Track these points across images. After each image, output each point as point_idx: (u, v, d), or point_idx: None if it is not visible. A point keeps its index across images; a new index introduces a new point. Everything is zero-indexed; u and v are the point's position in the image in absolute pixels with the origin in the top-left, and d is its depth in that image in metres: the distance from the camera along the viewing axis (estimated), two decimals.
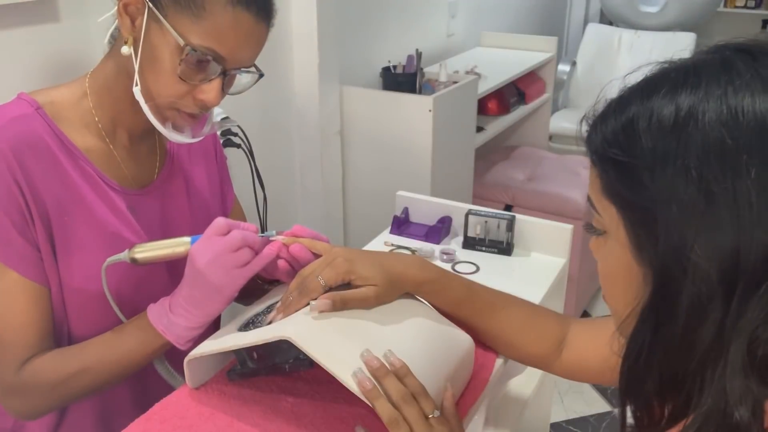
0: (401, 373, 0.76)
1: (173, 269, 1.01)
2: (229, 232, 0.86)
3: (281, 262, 0.91)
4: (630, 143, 0.55)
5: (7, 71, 1.19)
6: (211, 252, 0.84)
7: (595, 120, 0.60)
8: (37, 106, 0.91)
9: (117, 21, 0.90)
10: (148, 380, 1.01)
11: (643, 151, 0.54)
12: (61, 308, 0.94)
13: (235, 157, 1.56)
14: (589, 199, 0.63)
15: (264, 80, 0.99)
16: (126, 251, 0.90)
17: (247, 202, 1.27)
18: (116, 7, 0.89)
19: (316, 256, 0.91)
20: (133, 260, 0.89)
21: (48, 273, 0.91)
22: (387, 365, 0.76)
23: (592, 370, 0.92)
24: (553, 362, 0.95)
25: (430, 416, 0.74)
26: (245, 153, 1.66)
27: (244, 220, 1.19)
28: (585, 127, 0.61)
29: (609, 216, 0.59)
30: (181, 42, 0.86)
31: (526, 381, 1.29)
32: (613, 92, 0.61)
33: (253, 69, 0.95)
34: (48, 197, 0.90)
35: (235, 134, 1.60)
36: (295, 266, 0.92)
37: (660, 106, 0.54)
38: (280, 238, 0.91)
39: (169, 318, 0.88)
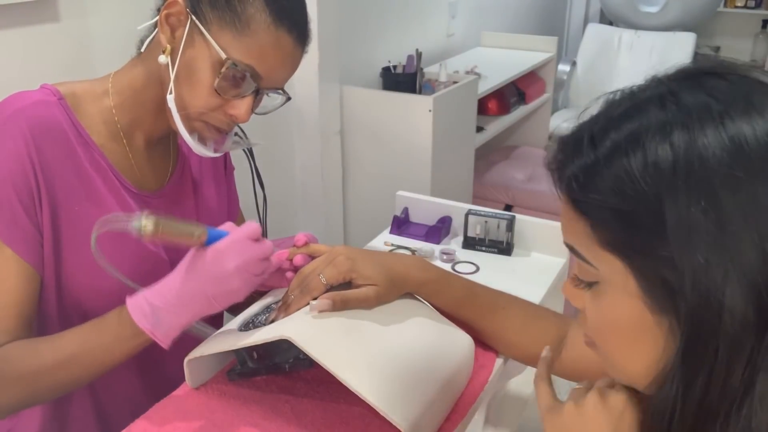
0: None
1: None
2: (258, 239, 0.84)
3: (289, 275, 0.91)
4: (632, 192, 0.50)
5: (6, 71, 1.19)
6: (242, 257, 0.81)
7: (574, 170, 0.54)
8: (60, 96, 0.92)
9: (156, 30, 0.91)
10: (152, 376, 1.01)
11: (648, 198, 0.49)
12: (54, 306, 0.92)
13: (235, 157, 1.56)
14: (573, 250, 0.56)
15: None
16: (136, 218, 0.78)
17: (247, 202, 1.27)
18: (158, 17, 0.89)
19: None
20: (139, 232, 0.80)
21: (45, 261, 0.90)
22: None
23: (591, 370, 0.92)
24: (553, 362, 0.95)
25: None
26: (245, 153, 1.65)
27: None
28: (556, 174, 0.56)
29: (609, 267, 0.54)
30: (223, 56, 0.86)
31: (526, 381, 1.29)
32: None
33: (281, 91, 0.96)
34: (60, 184, 0.89)
35: (235, 134, 1.60)
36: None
37: (653, 147, 0.50)
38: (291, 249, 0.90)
39: (158, 315, 0.82)
